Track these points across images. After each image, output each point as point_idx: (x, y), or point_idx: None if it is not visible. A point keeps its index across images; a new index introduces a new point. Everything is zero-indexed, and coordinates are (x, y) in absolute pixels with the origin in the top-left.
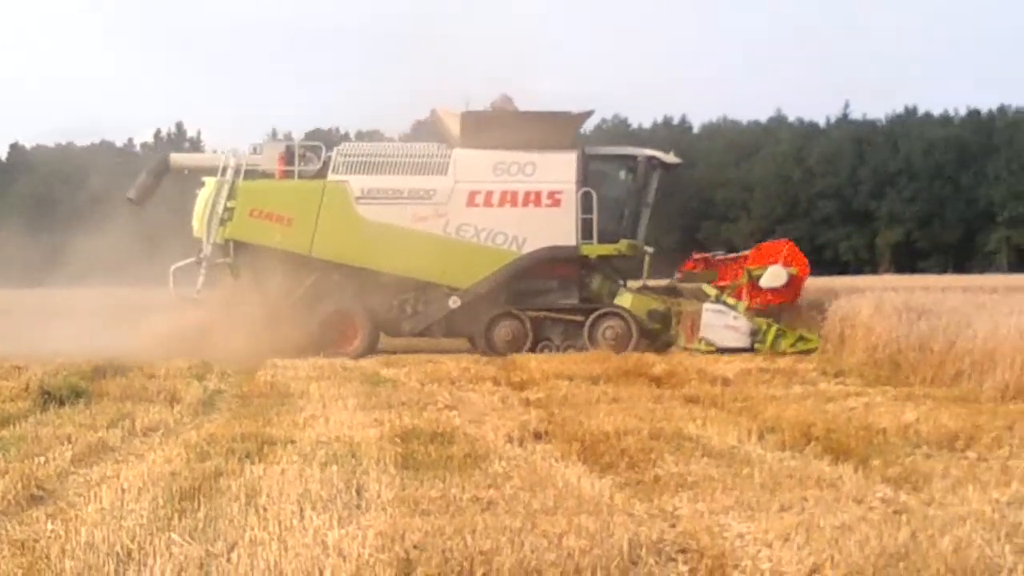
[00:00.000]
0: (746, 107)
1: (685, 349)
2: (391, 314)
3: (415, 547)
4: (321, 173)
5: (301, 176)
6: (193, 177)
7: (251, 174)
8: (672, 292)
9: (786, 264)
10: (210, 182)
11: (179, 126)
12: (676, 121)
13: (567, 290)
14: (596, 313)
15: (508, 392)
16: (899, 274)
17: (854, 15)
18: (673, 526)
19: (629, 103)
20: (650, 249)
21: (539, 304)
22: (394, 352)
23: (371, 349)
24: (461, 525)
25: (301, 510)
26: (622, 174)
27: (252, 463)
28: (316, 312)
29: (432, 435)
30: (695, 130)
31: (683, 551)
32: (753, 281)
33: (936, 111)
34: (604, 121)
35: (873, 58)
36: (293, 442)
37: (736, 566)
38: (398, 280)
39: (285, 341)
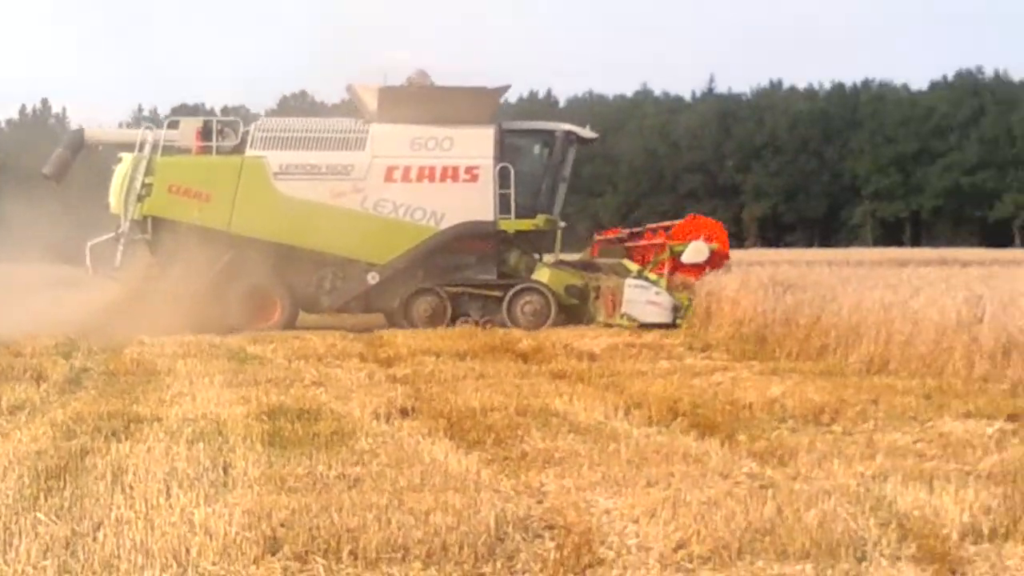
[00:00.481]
0: (612, 81)
1: (607, 325)
2: (310, 289)
3: (282, 525)
4: (239, 149)
5: (219, 152)
6: (108, 152)
7: (168, 150)
8: (589, 267)
9: (708, 240)
10: (127, 158)
11: (44, 102)
12: (542, 95)
13: (485, 265)
14: (514, 288)
15: (375, 368)
16: (765, 248)
17: None
18: (540, 502)
19: (495, 77)
20: (562, 224)
21: (457, 279)
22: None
23: (290, 324)
24: (328, 502)
25: (167, 488)
26: (539, 149)
27: (118, 441)
28: (235, 288)
29: (299, 412)
30: (561, 104)
31: (550, 527)
32: (675, 256)
33: (801, 85)
34: None
35: (739, 31)
36: (160, 420)
37: (603, 542)
38: (316, 256)
39: (204, 316)
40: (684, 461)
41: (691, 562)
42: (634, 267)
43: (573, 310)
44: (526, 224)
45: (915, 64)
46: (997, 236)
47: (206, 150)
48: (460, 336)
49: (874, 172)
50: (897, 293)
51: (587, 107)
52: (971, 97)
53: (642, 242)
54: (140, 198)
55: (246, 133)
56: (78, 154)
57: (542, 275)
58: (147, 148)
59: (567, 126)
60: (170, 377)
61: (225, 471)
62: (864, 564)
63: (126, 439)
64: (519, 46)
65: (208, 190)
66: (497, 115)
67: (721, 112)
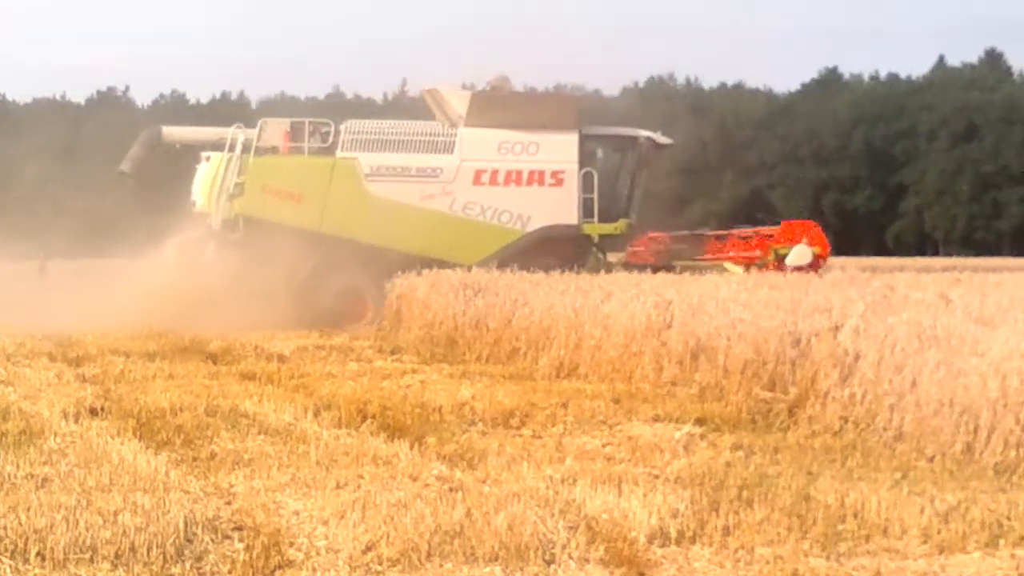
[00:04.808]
0: (304, 83)
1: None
2: None
3: None
4: (329, 150)
5: (310, 152)
6: (186, 151)
7: (257, 150)
8: (668, 269)
9: (810, 244)
10: (216, 157)
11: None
12: (235, 97)
13: (568, 268)
14: None
15: (64, 368)
16: None
17: None
18: (229, 503)
19: (187, 77)
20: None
21: None
22: None
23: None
24: (15, 502)
25: None
26: (620, 154)
27: None
28: (325, 287)
29: None
30: (253, 106)
31: (239, 528)
32: (779, 259)
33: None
34: (162, 96)
35: (433, 35)
36: None
37: (292, 543)
38: (405, 256)
39: (294, 314)
40: (373, 463)
41: (380, 564)
42: (737, 269)
43: None
44: (609, 228)
45: (605, 70)
46: None
47: (294, 151)
48: (149, 336)
49: None
50: (588, 298)
51: (278, 108)
52: (662, 102)
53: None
54: (231, 197)
55: (336, 134)
56: (155, 151)
57: None
58: (238, 147)
59: (646, 132)
60: None
61: None
62: (553, 567)
63: None
64: (210, 47)
65: (300, 191)
66: (579, 121)
67: (411, 116)
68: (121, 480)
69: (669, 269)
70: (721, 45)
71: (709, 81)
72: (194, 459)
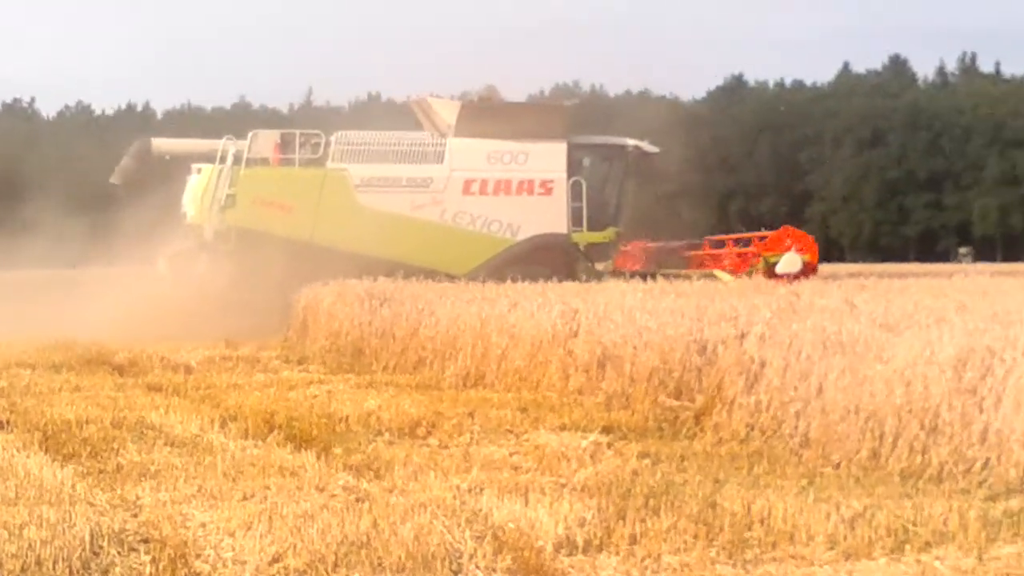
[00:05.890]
0: (210, 94)
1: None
2: None
3: None
4: (319, 161)
5: (300, 164)
6: (176, 163)
7: (247, 162)
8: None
9: (800, 251)
10: (207, 169)
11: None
12: (140, 108)
13: (557, 276)
14: None
15: None
16: None
17: (318, 3)
18: (135, 516)
19: (91, 89)
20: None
21: None
22: None
23: None
24: None
25: None
26: (607, 163)
27: None
28: None
29: None
30: (159, 116)
31: (145, 541)
32: (770, 267)
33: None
34: (67, 108)
35: (336, 45)
36: None
37: (199, 555)
38: (396, 266)
39: (285, 324)
40: (280, 474)
41: (287, 575)
42: (727, 277)
43: None
44: (598, 236)
45: (510, 76)
46: None
47: (285, 162)
48: (55, 348)
49: None
50: (494, 307)
51: (184, 119)
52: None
53: (723, 251)
54: (223, 209)
55: (326, 145)
56: (145, 163)
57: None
58: (229, 159)
59: (633, 141)
60: None
61: None
62: None
63: None
64: (116, 59)
65: (292, 202)
66: (568, 131)
67: (316, 126)
68: (27, 493)
69: (655, 276)
70: (626, 52)
71: (614, 88)
72: (100, 472)
